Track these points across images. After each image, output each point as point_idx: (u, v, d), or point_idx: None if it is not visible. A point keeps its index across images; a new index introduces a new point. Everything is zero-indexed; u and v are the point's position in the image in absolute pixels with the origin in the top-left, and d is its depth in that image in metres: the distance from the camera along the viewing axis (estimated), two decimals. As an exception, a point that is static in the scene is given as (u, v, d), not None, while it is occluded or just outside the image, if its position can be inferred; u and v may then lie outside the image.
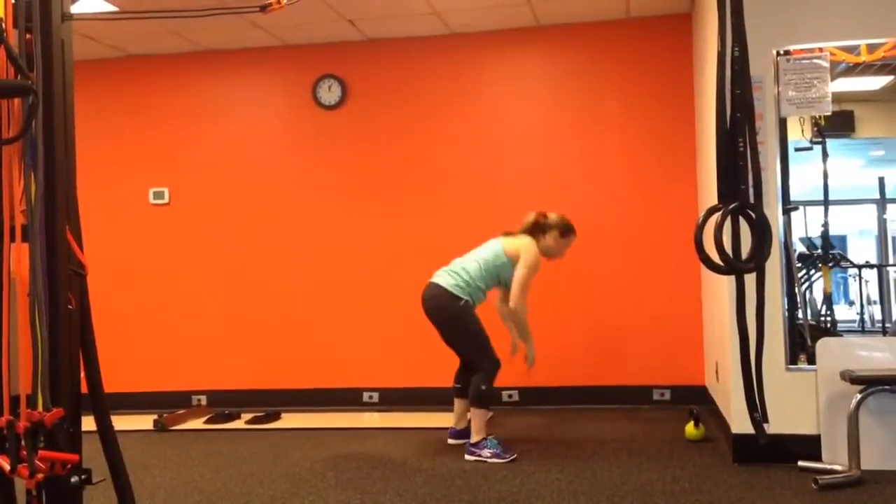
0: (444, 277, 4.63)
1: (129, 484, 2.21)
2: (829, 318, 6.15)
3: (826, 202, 5.82)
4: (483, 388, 4.47)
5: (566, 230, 4.76)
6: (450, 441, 4.79)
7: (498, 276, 4.66)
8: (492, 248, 4.70)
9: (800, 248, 5.95)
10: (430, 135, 6.27)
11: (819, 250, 5.99)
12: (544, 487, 3.78)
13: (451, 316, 4.58)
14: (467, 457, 4.41)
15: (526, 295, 4.59)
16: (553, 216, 4.76)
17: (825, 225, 5.87)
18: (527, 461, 4.32)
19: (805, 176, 5.72)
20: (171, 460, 4.63)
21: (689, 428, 4.70)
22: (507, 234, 4.77)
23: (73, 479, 1.98)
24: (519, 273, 4.56)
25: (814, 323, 5.74)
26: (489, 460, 4.34)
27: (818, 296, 6.23)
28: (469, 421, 4.58)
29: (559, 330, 5.94)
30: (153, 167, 6.58)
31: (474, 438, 4.44)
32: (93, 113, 6.40)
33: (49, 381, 1.92)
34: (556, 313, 5.97)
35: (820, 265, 6.06)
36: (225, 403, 6.22)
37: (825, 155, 5.67)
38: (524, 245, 4.63)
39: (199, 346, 6.45)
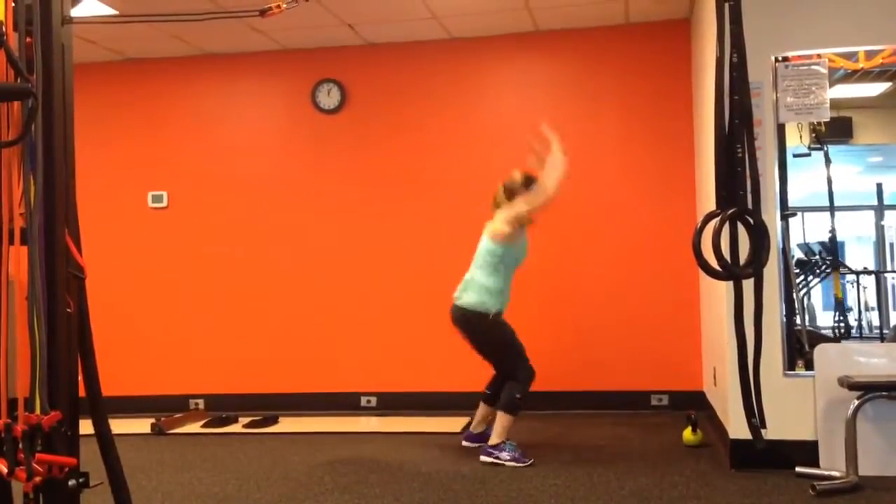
0: (464, 297, 4.62)
1: (127, 488, 2.21)
2: (841, 324, 6.12)
3: (832, 208, 5.82)
4: (518, 396, 4.49)
5: (528, 181, 4.69)
6: (464, 443, 4.80)
7: (505, 265, 4.64)
8: (483, 247, 4.70)
9: (798, 254, 5.95)
10: (430, 139, 6.28)
11: (817, 256, 5.99)
12: (541, 493, 3.78)
13: (482, 333, 4.59)
14: (483, 458, 4.42)
15: (541, 192, 4.57)
16: (515, 175, 4.72)
17: (832, 231, 5.86)
18: (525, 466, 4.32)
19: (803, 182, 5.73)
20: (169, 464, 4.62)
21: (687, 433, 4.70)
22: (488, 223, 4.75)
23: (71, 482, 1.98)
24: (531, 203, 4.56)
25: (811, 329, 5.74)
26: (507, 463, 4.34)
27: (816, 302, 6.23)
28: (485, 427, 4.62)
29: (557, 335, 5.93)
30: (152, 171, 6.57)
31: (494, 441, 4.45)
32: (92, 116, 6.39)
33: (47, 384, 1.92)
34: (554, 318, 5.97)
35: (818, 271, 6.06)
36: (223, 407, 6.21)
37: (828, 161, 5.68)
38: (499, 220, 4.63)
39: (197, 349, 6.44)
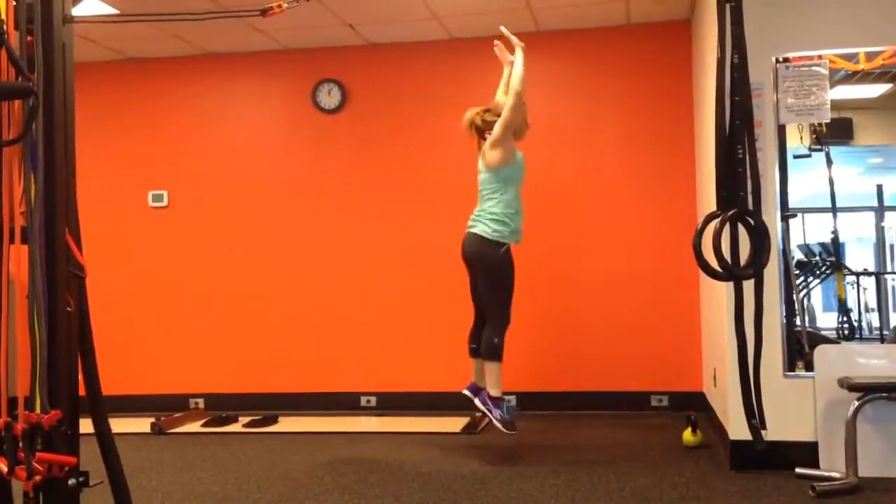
0: (480, 225, 4.60)
1: (127, 487, 2.21)
2: (846, 325, 6.11)
3: (834, 209, 5.81)
4: (496, 340, 4.50)
5: (496, 105, 4.75)
6: (464, 392, 4.71)
7: (512, 186, 4.64)
8: (483, 179, 4.69)
9: (798, 255, 5.95)
10: (430, 139, 6.28)
11: (818, 257, 5.99)
12: (541, 493, 3.78)
13: (491, 265, 4.56)
14: (478, 403, 4.46)
15: (514, 92, 4.59)
16: (490, 108, 4.76)
17: (835, 232, 5.86)
18: (524, 466, 4.32)
19: (804, 183, 5.72)
20: (169, 463, 4.62)
21: (687, 434, 4.70)
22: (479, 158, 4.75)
23: (71, 481, 1.98)
24: (508, 107, 4.57)
25: (811, 330, 5.73)
26: (495, 421, 4.40)
27: (817, 303, 6.23)
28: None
29: (557, 335, 5.93)
30: (152, 170, 6.58)
31: (495, 392, 4.48)
32: (93, 115, 6.39)
33: (47, 383, 1.92)
34: (554, 318, 5.97)
35: (818, 272, 6.06)
36: (222, 407, 6.21)
37: (829, 162, 5.68)
38: (488, 147, 4.62)
39: (197, 349, 6.44)
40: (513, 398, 5.93)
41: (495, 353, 4.51)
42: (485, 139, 4.70)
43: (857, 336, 6.92)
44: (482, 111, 4.76)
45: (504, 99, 4.72)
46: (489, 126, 4.68)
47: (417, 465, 4.40)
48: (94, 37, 6.00)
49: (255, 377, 6.35)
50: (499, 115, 4.65)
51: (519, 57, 4.65)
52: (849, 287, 7.22)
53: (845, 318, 6.14)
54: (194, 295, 6.47)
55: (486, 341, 4.53)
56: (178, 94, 6.60)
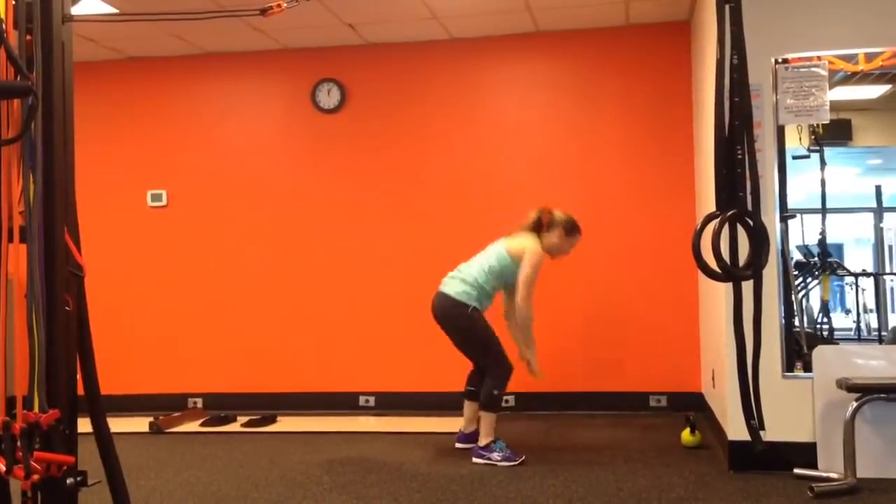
0: (451, 285, 4.63)
1: (125, 486, 2.21)
2: (826, 326, 6.14)
3: (824, 210, 5.82)
4: (495, 392, 4.49)
5: (571, 228, 4.72)
6: (457, 445, 4.78)
7: (503, 279, 4.65)
8: (495, 251, 4.69)
9: (797, 255, 5.95)
10: (429, 139, 6.28)
11: (816, 258, 5.99)
12: (540, 493, 3.78)
13: (460, 323, 4.59)
14: (475, 460, 4.42)
15: (531, 295, 4.58)
16: (558, 213, 4.73)
17: (822, 233, 5.87)
18: (523, 467, 4.32)
19: (802, 184, 5.72)
20: (167, 463, 4.62)
21: (686, 435, 4.70)
22: (509, 236, 4.76)
23: (69, 480, 1.98)
24: (523, 273, 4.55)
25: (809, 330, 5.74)
26: (499, 463, 4.35)
27: (815, 304, 6.23)
28: (476, 426, 4.61)
29: (556, 335, 5.93)
30: (151, 169, 6.57)
31: (483, 441, 4.46)
32: (92, 115, 6.39)
33: (45, 383, 1.92)
34: (554, 319, 5.97)
35: (817, 273, 6.06)
36: (221, 406, 6.21)
37: (823, 163, 5.68)
38: (527, 244, 4.62)
39: (196, 348, 6.44)
40: (511, 398, 5.94)
41: (494, 406, 4.51)
42: (535, 233, 4.67)
43: (856, 337, 6.93)
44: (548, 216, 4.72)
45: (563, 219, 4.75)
46: (545, 229, 4.68)
47: (416, 465, 4.40)
48: (93, 36, 6.00)
49: (254, 377, 6.35)
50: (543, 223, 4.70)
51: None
52: (847, 288, 7.22)
53: (826, 319, 6.16)
54: (193, 294, 6.47)
55: (486, 392, 4.53)
56: (177, 93, 6.60)
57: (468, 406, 4.79)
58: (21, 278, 1.95)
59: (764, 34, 4.06)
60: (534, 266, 4.57)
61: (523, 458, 4.40)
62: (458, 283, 4.62)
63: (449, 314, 4.60)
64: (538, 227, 4.69)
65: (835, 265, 6.42)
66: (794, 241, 5.79)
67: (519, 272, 4.58)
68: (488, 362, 4.58)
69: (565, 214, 4.74)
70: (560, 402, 5.93)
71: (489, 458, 4.38)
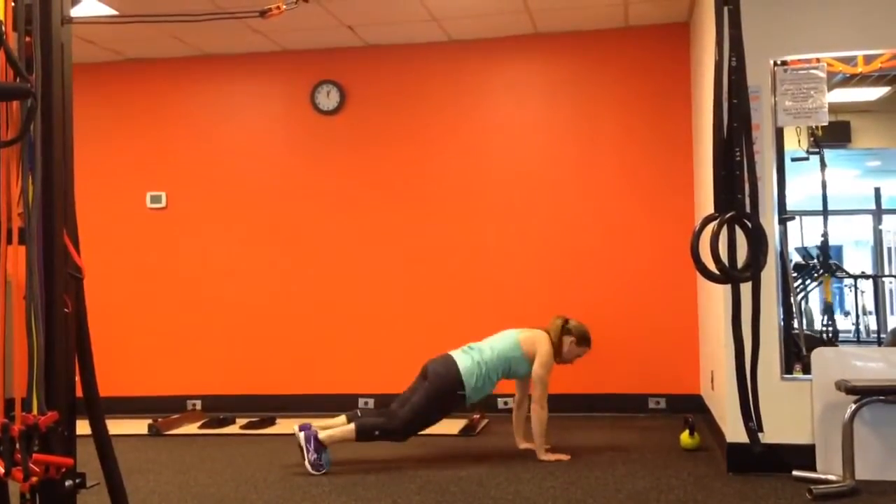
0: (461, 357, 4.56)
1: (124, 488, 2.21)
2: (830, 329, 6.12)
3: (825, 212, 5.82)
4: (376, 433, 4.38)
5: (582, 339, 4.72)
6: (296, 428, 4.46)
7: (509, 368, 4.62)
8: (508, 339, 4.66)
9: (795, 257, 5.95)
10: (428, 141, 6.28)
11: (815, 260, 5.99)
12: (539, 495, 3.77)
13: (442, 391, 4.48)
14: (300, 438, 4.29)
15: (547, 393, 4.57)
16: (573, 323, 4.73)
17: (824, 235, 5.87)
18: (522, 468, 4.32)
19: (801, 186, 5.73)
20: (166, 465, 4.62)
21: (684, 437, 4.70)
22: (522, 329, 4.72)
23: (68, 482, 1.98)
24: (538, 374, 4.56)
25: (809, 333, 5.74)
26: (306, 461, 4.25)
27: (814, 306, 6.23)
28: (329, 433, 4.39)
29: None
30: (151, 171, 6.57)
31: (324, 439, 4.31)
32: (91, 116, 6.39)
33: (44, 385, 1.92)
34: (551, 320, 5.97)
35: (816, 275, 6.06)
36: (220, 408, 6.21)
37: (823, 165, 5.68)
38: (540, 340, 4.61)
39: (195, 350, 6.44)
40: (511, 399, 5.93)
41: (362, 436, 4.36)
42: (555, 345, 4.65)
43: (855, 339, 6.93)
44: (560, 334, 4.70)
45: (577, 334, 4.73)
46: (561, 333, 4.68)
47: (415, 467, 4.40)
48: (92, 38, 6.00)
49: (253, 379, 6.35)
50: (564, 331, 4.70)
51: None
52: (846, 290, 7.22)
53: (831, 321, 6.15)
54: (192, 296, 6.47)
55: (371, 424, 4.39)
56: (176, 95, 6.60)
57: (344, 417, 4.57)
58: (20, 280, 1.94)
59: (763, 36, 4.07)
60: (547, 369, 4.58)
61: (324, 472, 4.27)
62: (468, 357, 4.56)
63: (443, 377, 4.48)
64: (559, 331, 4.67)
65: (834, 267, 6.42)
66: (794, 243, 5.79)
67: (532, 370, 4.58)
68: (408, 417, 4.43)
69: (579, 325, 4.73)
70: (559, 405, 5.90)
71: (309, 450, 4.25)
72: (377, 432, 4.40)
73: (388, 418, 4.47)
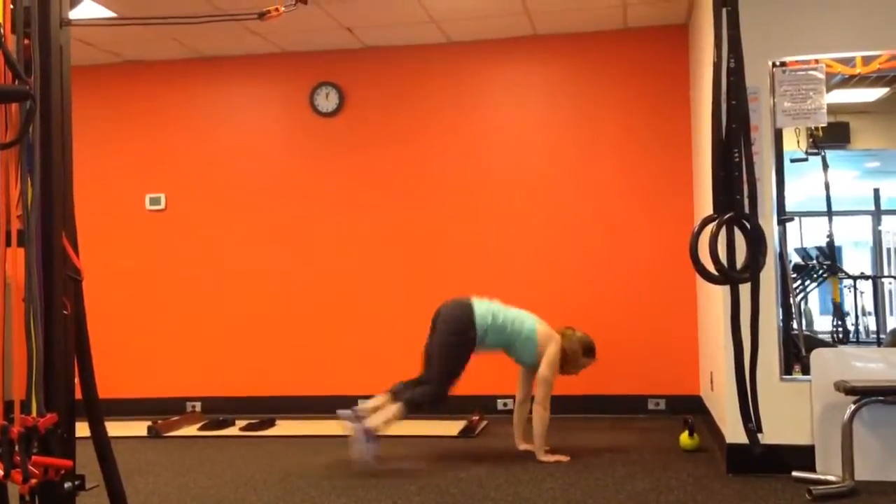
0: (478, 304, 4.60)
1: (123, 490, 2.21)
2: (840, 329, 6.12)
3: (829, 213, 5.83)
4: (422, 401, 4.42)
5: (590, 349, 4.72)
6: (339, 411, 4.55)
7: (513, 344, 4.62)
8: (528, 321, 4.66)
9: (795, 258, 5.96)
10: (428, 143, 6.28)
11: (814, 261, 6.00)
12: (538, 496, 3.77)
13: (453, 335, 4.53)
14: (343, 416, 4.37)
15: (550, 394, 4.58)
16: (580, 334, 4.72)
17: (829, 235, 5.87)
18: (521, 470, 4.32)
19: (801, 187, 5.73)
20: (165, 467, 4.62)
21: (684, 438, 4.70)
22: (542, 321, 4.72)
23: (67, 484, 1.98)
24: (544, 374, 4.56)
25: (808, 333, 5.74)
26: (365, 452, 4.28)
27: (813, 307, 6.24)
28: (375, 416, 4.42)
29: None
30: (150, 173, 6.57)
31: (374, 424, 4.33)
32: (90, 118, 6.39)
33: (43, 387, 1.92)
34: (550, 321, 5.96)
35: (815, 276, 6.07)
36: (219, 410, 6.20)
37: (825, 166, 5.69)
38: (553, 341, 4.62)
39: (194, 352, 6.44)
40: (510, 401, 5.93)
41: (412, 410, 4.41)
42: (567, 354, 4.66)
43: (854, 339, 6.94)
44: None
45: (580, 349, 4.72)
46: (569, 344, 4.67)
47: (414, 469, 4.40)
48: (91, 40, 6.00)
49: (253, 380, 6.35)
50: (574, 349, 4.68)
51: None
52: (846, 291, 7.23)
53: (840, 322, 6.15)
54: (191, 298, 6.47)
55: (416, 395, 4.42)
56: (175, 96, 6.60)
57: (382, 397, 4.60)
58: (19, 282, 1.94)
59: (761, 37, 4.07)
60: (552, 366, 4.58)
61: (379, 467, 4.28)
62: (485, 308, 4.58)
63: (455, 317, 4.55)
64: (567, 342, 4.67)
65: (832, 267, 6.43)
66: (793, 243, 5.80)
67: (538, 369, 4.58)
68: (438, 377, 4.50)
69: (586, 336, 4.73)
70: (558, 406, 5.88)
71: (369, 447, 4.28)
72: (423, 403, 4.44)
73: (425, 384, 4.50)
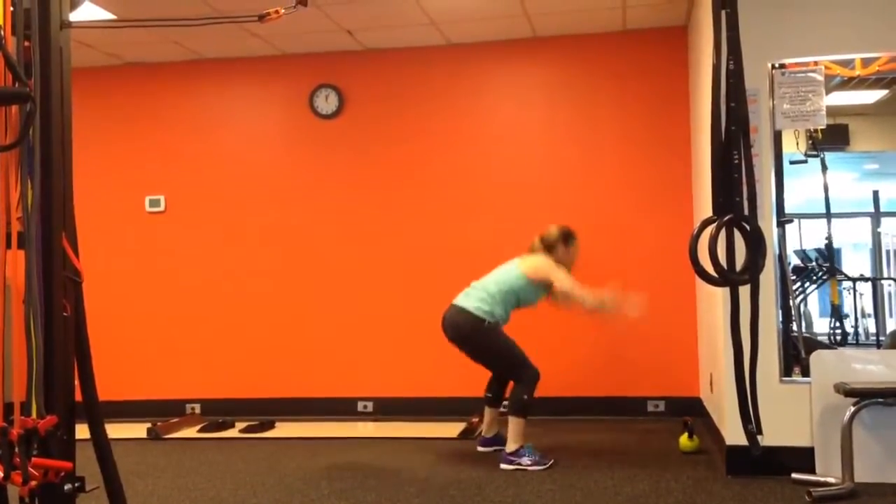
0: (465, 300, 4.61)
1: (123, 492, 2.21)
2: (838, 331, 6.12)
3: (829, 215, 5.83)
4: (525, 398, 4.47)
5: (567, 237, 4.78)
6: (479, 448, 4.82)
7: (518, 297, 4.65)
8: (509, 270, 4.70)
9: (794, 260, 5.96)
10: (427, 145, 6.28)
11: (814, 263, 6.00)
12: (538, 498, 3.77)
13: (477, 339, 4.57)
14: (504, 466, 4.40)
15: (580, 286, 4.59)
16: (551, 230, 4.78)
17: (828, 237, 5.88)
18: (521, 471, 4.32)
19: (801, 189, 5.74)
20: (165, 469, 4.62)
21: (684, 440, 4.70)
22: (521, 258, 4.77)
23: (67, 486, 1.97)
24: (561, 287, 4.59)
25: (808, 335, 5.75)
26: (529, 468, 4.34)
27: (813, 308, 6.24)
28: (497, 430, 4.65)
29: (553, 340, 5.93)
30: (150, 175, 6.57)
31: (511, 447, 4.43)
32: (90, 120, 6.39)
33: (43, 389, 1.92)
34: (550, 323, 5.96)
35: (815, 277, 6.07)
36: (219, 412, 6.20)
37: (824, 168, 5.69)
38: (541, 264, 4.66)
39: (194, 354, 6.43)
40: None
41: (523, 411, 4.48)
42: (533, 252, 4.71)
43: (854, 341, 6.94)
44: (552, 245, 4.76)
45: (557, 234, 4.78)
46: (550, 249, 4.73)
47: (414, 471, 4.40)
48: (91, 42, 6.00)
49: (252, 382, 6.34)
50: (551, 243, 4.75)
51: (612, 301, 4.61)
52: (845, 293, 7.24)
53: (839, 324, 6.15)
54: (191, 300, 6.46)
55: (516, 398, 4.50)
56: (175, 99, 6.60)
57: (488, 412, 4.84)
58: (19, 284, 1.95)
59: (760, 39, 4.07)
60: (558, 274, 4.62)
61: (552, 461, 4.41)
62: (472, 298, 4.60)
63: (463, 333, 4.57)
64: (545, 249, 4.73)
65: (831, 269, 6.44)
66: (792, 245, 5.80)
67: (536, 291, 4.65)
68: (512, 372, 4.56)
69: (557, 228, 4.79)
70: (558, 407, 5.93)
71: (519, 464, 4.37)
72: (525, 397, 4.47)
73: (516, 382, 4.53)
